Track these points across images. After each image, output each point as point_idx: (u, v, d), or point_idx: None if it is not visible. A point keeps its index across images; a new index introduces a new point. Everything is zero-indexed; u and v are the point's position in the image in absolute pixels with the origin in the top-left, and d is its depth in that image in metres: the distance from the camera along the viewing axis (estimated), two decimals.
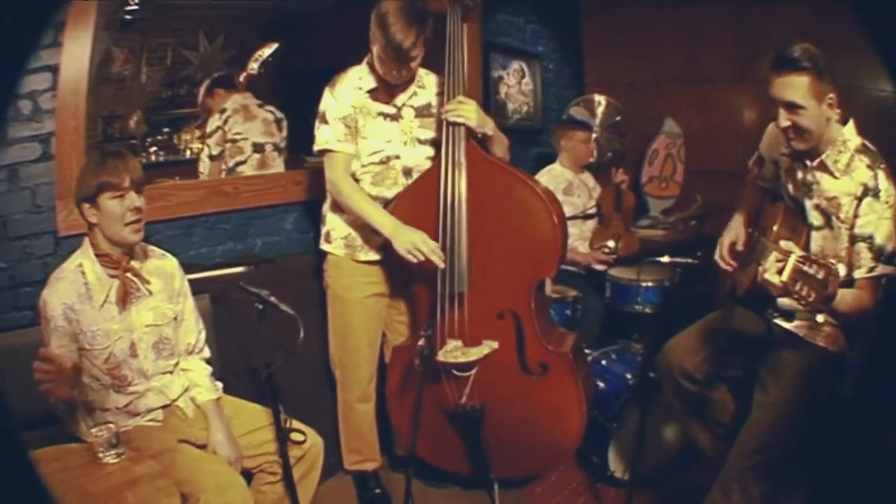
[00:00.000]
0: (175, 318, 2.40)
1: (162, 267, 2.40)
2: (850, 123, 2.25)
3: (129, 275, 2.25)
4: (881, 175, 2.15)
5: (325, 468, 2.95)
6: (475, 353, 2.70)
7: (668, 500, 3.04)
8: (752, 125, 4.23)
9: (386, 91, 2.81)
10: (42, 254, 2.51)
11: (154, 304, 2.32)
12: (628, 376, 3.23)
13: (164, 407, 2.35)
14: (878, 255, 2.12)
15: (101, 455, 1.99)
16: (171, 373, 2.39)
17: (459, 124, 2.65)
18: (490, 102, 4.38)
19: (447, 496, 3.16)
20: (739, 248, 2.61)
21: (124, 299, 2.22)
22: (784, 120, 2.20)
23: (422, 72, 2.88)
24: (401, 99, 2.84)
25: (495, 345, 2.74)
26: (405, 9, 2.57)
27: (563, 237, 2.71)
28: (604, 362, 3.40)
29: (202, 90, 3.40)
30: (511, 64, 4.65)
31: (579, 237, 4.13)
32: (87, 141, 2.62)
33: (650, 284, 3.69)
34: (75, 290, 2.14)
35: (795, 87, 2.14)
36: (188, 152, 3.54)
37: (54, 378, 1.86)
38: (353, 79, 2.80)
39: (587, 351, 3.36)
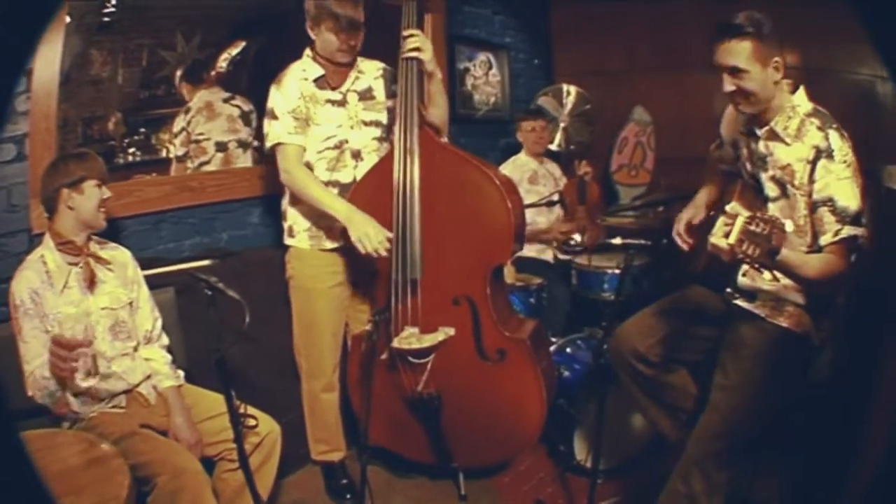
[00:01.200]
0: (130, 304, 2.51)
1: (115, 256, 2.51)
2: (801, 90, 2.23)
3: (91, 259, 2.38)
4: (833, 135, 2.10)
5: (294, 459, 3.00)
6: (430, 340, 2.72)
7: (636, 490, 3.01)
8: (722, 111, 4.23)
9: (335, 77, 2.89)
10: (17, 251, 2.54)
11: (109, 290, 2.44)
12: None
13: (125, 392, 2.42)
14: (842, 217, 2.06)
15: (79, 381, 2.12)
16: (130, 357, 2.46)
17: (414, 58, 2.71)
18: (455, 94, 4.41)
19: (413, 486, 3.17)
20: (695, 222, 2.58)
21: (91, 280, 2.36)
22: (728, 85, 2.19)
23: (359, 59, 2.96)
24: (345, 85, 2.92)
25: (451, 331, 2.76)
26: None
27: (517, 223, 2.73)
28: (569, 350, 3.41)
29: (176, 80, 3.42)
30: (477, 55, 4.68)
31: (547, 224, 4.16)
32: (67, 143, 2.72)
33: (616, 271, 3.69)
34: (38, 276, 2.27)
35: (737, 51, 2.14)
36: (165, 151, 3.54)
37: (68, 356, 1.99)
38: (298, 71, 2.87)
39: (553, 339, 3.39)
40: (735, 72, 2.17)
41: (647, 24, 4.78)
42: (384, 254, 2.69)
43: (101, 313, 2.39)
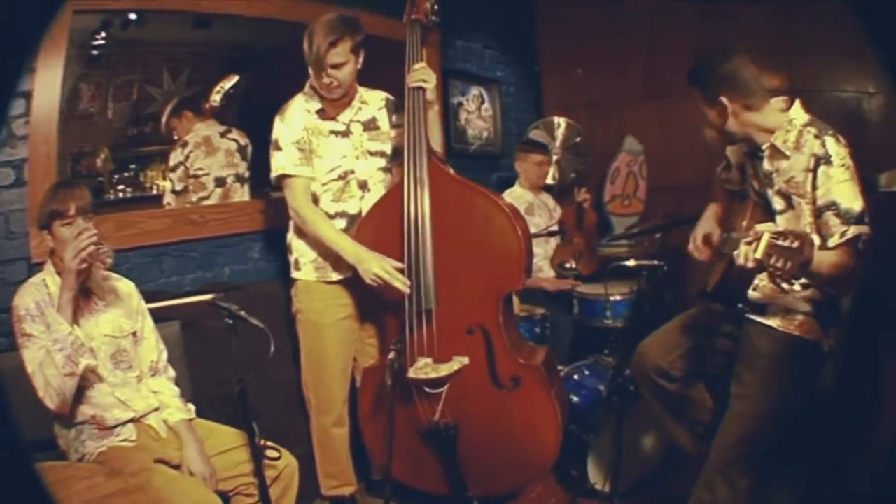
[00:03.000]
0: (134, 334, 2.48)
1: (119, 288, 2.51)
2: (797, 104, 2.33)
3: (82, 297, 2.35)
4: (829, 141, 2.17)
5: (303, 495, 2.93)
6: (446, 369, 2.70)
7: None
8: (713, 139, 4.29)
9: (332, 109, 2.89)
10: (16, 280, 2.48)
11: (112, 318, 2.42)
12: (601, 388, 3.24)
13: (131, 421, 2.37)
14: (847, 218, 2.12)
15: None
16: (133, 388, 2.43)
17: (421, 88, 2.75)
18: (450, 129, 4.44)
19: None
20: (715, 239, 2.62)
21: (76, 312, 2.28)
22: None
23: (362, 89, 2.97)
24: (346, 115, 2.92)
25: (465, 360, 2.75)
26: (328, 19, 2.72)
27: (527, 250, 2.74)
28: (576, 377, 3.42)
29: (168, 109, 3.39)
30: (470, 90, 4.73)
31: (543, 256, 4.18)
32: (58, 173, 2.66)
33: (618, 298, 3.73)
34: (40, 294, 2.25)
35: (696, 98, 2.38)
36: (154, 189, 3.53)
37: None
38: (300, 103, 2.89)
39: (559, 367, 3.38)
40: (701, 113, 2.39)
41: (634, 54, 4.86)
42: (405, 289, 2.69)
43: (102, 339, 2.37)
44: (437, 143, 2.88)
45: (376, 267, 2.68)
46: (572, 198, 4.39)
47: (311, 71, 2.77)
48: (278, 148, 2.83)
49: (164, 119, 3.37)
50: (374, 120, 2.99)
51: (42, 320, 2.19)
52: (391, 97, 3.04)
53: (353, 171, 2.91)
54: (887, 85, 3.72)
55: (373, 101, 3.01)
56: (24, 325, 2.18)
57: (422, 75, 2.75)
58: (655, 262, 2.73)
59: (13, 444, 1.38)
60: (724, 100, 2.29)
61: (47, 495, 1.46)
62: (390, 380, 2.42)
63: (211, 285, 3.10)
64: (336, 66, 2.72)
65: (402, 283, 2.68)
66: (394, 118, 3.01)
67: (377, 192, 2.94)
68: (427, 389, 2.74)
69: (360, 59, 2.81)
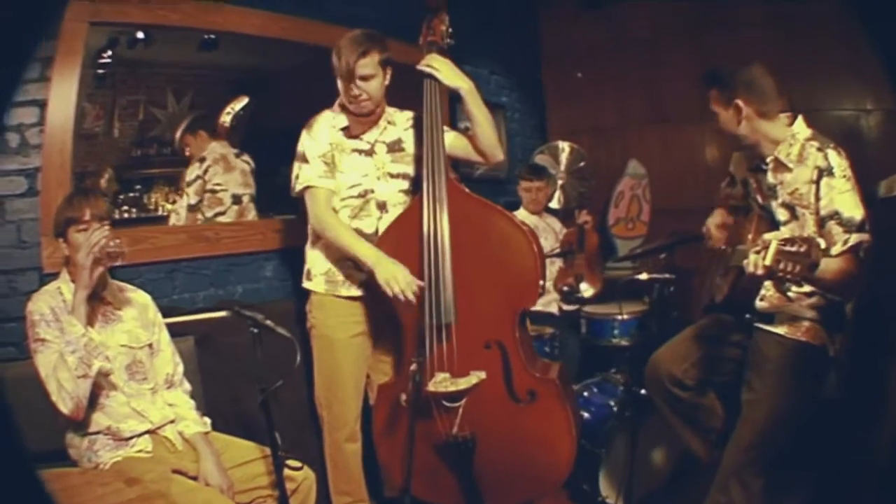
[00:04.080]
0: (150, 346, 2.49)
1: (135, 299, 2.52)
2: (799, 119, 2.43)
3: (98, 303, 2.36)
4: (831, 154, 2.27)
5: None
6: (464, 383, 2.70)
7: None
8: (714, 162, 4.40)
9: (357, 127, 2.90)
10: (27, 290, 2.50)
11: (128, 328, 2.43)
12: (611, 404, 3.28)
13: (147, 432, 2.37)
14: (849, 227, 2.21)
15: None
16: (148, 399, 2.43)
17: (430, 76, 2.76)
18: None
19: None
20: (724, 224, 2.75)
21: (92, 320, 2.30)
22: (715, 125, 2.55)
23: (390, 109, 2.99)
24: (372, 135, 2.93)
25: (483, 375, 2.75)
26: (355, 34, 2.76)
27: (542, 267, 2.77)
28: (585, 394, 3.46)
29: (183, 125, 3.41)
30: None
31: (548, 279, 4.20)
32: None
33: (626, 317, 3.76)
34: (55, 301, 2.25)
35: (711, 98, 2.51)
36: (159, 210, 3.54)
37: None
38: (328, 118, 2.90)
39: None
40: (713, 114, 2.52)
41: (637, 80, 4.94)
42: (411, 297, 2.67)
43: (118, 350, 2.37)
44: (485, 139, 2.93)
45: (398, 271, 2.66)
46: (574, 220, 4.43)
47: (340, 85, 2.79)
48: (305, 160, 2.84)
49: (178, 134, 3.40)
50: (399, 141, 2.99)
51: (56, 325, 2.20)
52: (419, 116, 3.02)
53: (372, 191, 2.92)
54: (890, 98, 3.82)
55: (400, 122, 3.01)
56: (38, 330, 2.19)
57: (429, 60, 2.76)
58: (667, 276, 2.78)
59: (16, 452, 1.38)
60: (739, 102, 2.38)
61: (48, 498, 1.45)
62: (412, 392, 2.42)
63: (224, 302, 3.11)
64: (365, 79, 2.74)
65: (412, 294, 2.65)
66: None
67: (395, 214, 2.95)
68: (445, 403, 2.74)
69: (388, 76, 2.84)
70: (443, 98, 2.95)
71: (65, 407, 2.14)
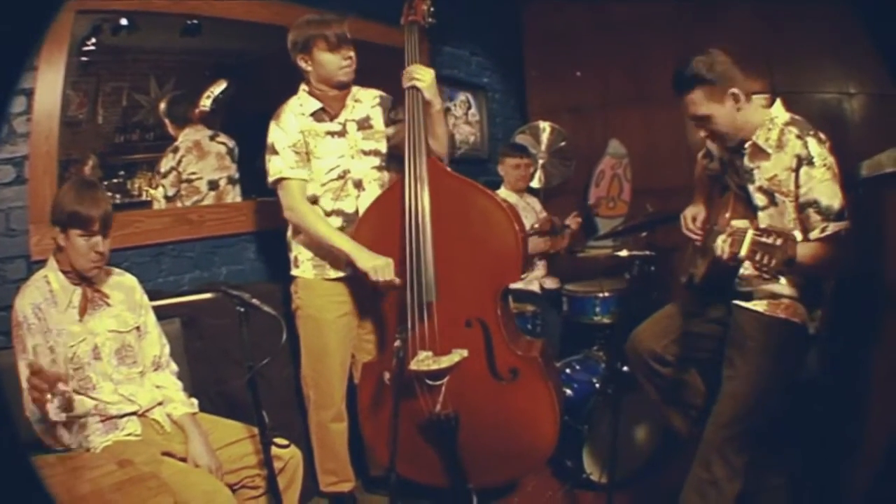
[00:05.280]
0: (138, 329, 2.49)
1: (122, 282, 2.52)
2: (777, 102, 2.42)
3: (89, 289, 2.36)
4: (811, 142, 2.27)
5: (302, 492, 2.95)
6: (446, 361, 2.74)
7: (643, 501, 3.12)
8: (694, 141, 4.38)
9: (334, 104, 2.95)
10: (15, 278, 2.51)
11: (116, 313, 2.43)
12: (594, 380, 3.32)
13: (134, 414, 2.38)
14: (827, 215, 2.23)
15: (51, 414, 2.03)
16: (137, 383, 2.44)
17: (415, 88, 2.81)
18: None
19: None
20: (699, 223, 2.75)
21: (84, 308, 2.33)
22: (700, 132, 2.47)
23: (355, 88, 3.02)
24: (343, 115, 2.97)
25: (465, 353, 2.79)
26: (313, 14, 2.89)
27: (524, 244, 2.81)
28: (568, 371, 3.49)
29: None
30: (457, 95, 4.81)
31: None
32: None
33: (607, 294, 3.81)
34: (41, 294, 2.25)
35: (694, 102, 2.39)
36: (142, 195, 3.53)
37: (45, 388, 1.90)
38: (295, 106, 2.92)
39: None
40: (700, 120, 2.41)
41: (617, 59, 4.94)
42: (398, 282, 2.74)
43: (107, 335, 2.37)
44: (440, 145, 2.94)
45: (380, 262, 2.73)
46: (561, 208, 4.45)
47: (323, 59, 2.84)
48: (275, 152, 2.86)
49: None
50: (367, 118, 3.03)
51: (39, 328, 2.19)
52: (385, 94, 3.09)
53: (349, 171, 2.95)
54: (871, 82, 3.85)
55: (366, 100, 3.05)
56: (22, 333, 2.18)
57: (414, 73, 2.81)
58: (647, 253, 2.82)
59: (10, 440, 1.39)
60: (735, 90, 2.34)
61: (44, 491, 1.47)
62: (395, 368, 2.46)
63: (210, 284, 3.12)
64: (349, 42, 2.84)
65: (393, 277, 2.74)
66: (390, 115, 3.06)
67: (372, 190, 2.99)
68: (428, 381, 2.78)
69: None
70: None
71: (34, 425, 2.13)
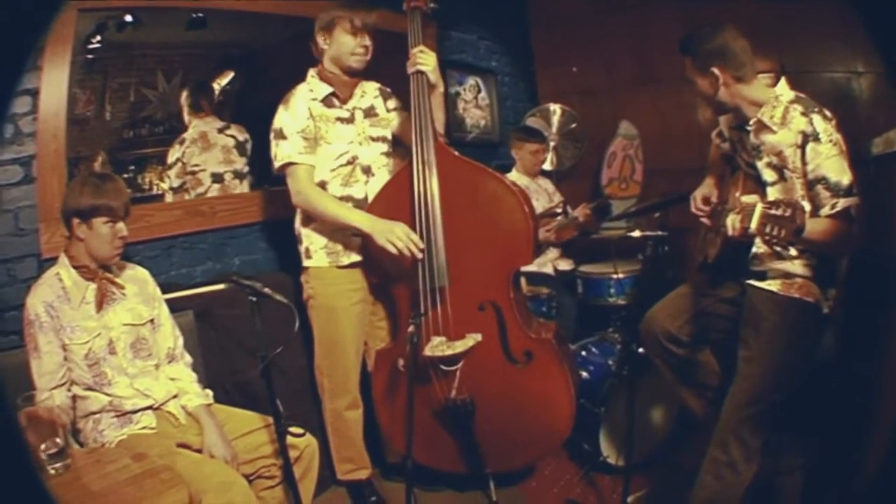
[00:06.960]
0: (152, 321, 2.51)
1: (135, 275, 2.54)
2: (782, 81, 2.40)
3: (104, 281, 2.37)
4: (816, 119, 2.25)
5: (318, 481, 2.97)
6: (461, 346, 2.74)
7: (660, 483, 3.10)
8: (706, 121, 4.35)
9: (345, 90, 2.95)
10: (26, 277, 2.53)
11: (130, 306, 2.44)
12: (610, 363, 3.30)
13: (149, 408, 2.39)
14: (836, 191, 2.20)
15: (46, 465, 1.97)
16: (152, 376, 2.45)
17: (420, 72, 2.81)
18: (448, 118, 4.46)
19: (443, 499, 3.16)
20: (713, 200, 2.73)
21: (101, 302, 2.34)
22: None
23: (362, 80, 3.04)
24: (351, 102, 2.97)
25: (479, 337, 2.78)
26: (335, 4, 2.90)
27: (535, 227, 2.79)
28: (584, 353, 3.47)
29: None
30: (467, 80, 4.78)
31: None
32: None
33: (622, 276, 3.79)
34: (54, 292, 2.26)
35: (685, 67, 2.48)
36: (153, 189, 3.55)
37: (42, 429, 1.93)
38: (305, 91, 2.91)
39: None
40: (689, 82, 2.50)
41: (625, 40, 4.89)
42: (418, 254, 2.71)
43: (122, 329, 2.38)
44: (439, 125, 2.92)
45: (397, 228, 2.70)
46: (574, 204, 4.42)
47: (345, 39, 2.87)
48: (282, 137, 2.83)
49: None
50: (372, 107, 3.04)
51: (51, 325, 2.21)
52: (382, 86, 3.12)
53: (357, 157, 2.94)
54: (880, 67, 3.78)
55: (369, 91, 3.07)
56: (33, 331, 2.20)
57: (419, 59, 2.81)
58: (660, 233, 2.78)
59: (12, 441, 1.39)
60: (715, 70, 2.37)
61: (45, 492, 1.47)
62: (409, 355, 2.45)
63: (223, 275, 3.12)
64: (371, 31, 2.89)
65: (416, 248, 2.70)
66: (389, 104, 3.08)
67: (381, 176, 2.98)
68: (443, 367, 2.78)
69: None
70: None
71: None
